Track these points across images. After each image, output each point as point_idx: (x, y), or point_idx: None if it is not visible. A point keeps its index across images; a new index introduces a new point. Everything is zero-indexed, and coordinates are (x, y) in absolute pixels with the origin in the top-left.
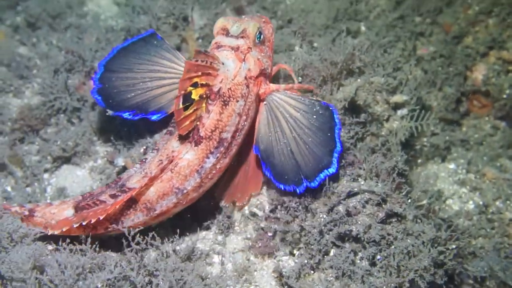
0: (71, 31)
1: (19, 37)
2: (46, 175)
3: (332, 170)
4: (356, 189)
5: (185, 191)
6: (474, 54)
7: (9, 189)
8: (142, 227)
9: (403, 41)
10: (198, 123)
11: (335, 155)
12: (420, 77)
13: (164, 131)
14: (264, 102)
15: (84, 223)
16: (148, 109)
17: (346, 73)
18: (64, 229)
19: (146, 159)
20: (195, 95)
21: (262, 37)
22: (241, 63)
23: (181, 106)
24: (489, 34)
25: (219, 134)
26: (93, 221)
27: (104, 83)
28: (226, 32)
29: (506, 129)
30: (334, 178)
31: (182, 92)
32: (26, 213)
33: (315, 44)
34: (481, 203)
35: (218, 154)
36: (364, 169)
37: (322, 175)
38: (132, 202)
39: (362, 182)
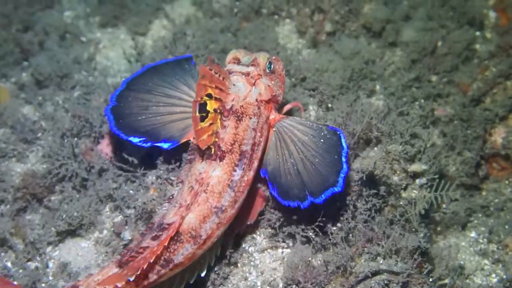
0: (79, 90)
1: (24, 95)
2: (48, 248)
3: (337, 189)
4: (375, 269)
5: (223, 208)
6: (493, 117)
7: (9, 264)
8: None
9: (419, 102)
10: (216, 139)
11: (342, 175)
12: (439, 142)
13: (183, 165)
14: (274, 129)
15: (138, 273)
16: (158, 137)
17: (363, 142)
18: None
19: (173, 194)
20: (209, 107)
21: (272, 67)
22: (251, 87)
23: (197, 113)
24: (507, 96)
25: (239, 146)
26: (145, 267)
27: (119, 102)
28: (237, 62)
29: None
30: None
31: (199, 98)
32: None
33: (329, 105)
34: (504, 277)
35: (243, 166)
36: (383, 247)
37: (328, 193)
38: (176, 236)
39: (381, 261)
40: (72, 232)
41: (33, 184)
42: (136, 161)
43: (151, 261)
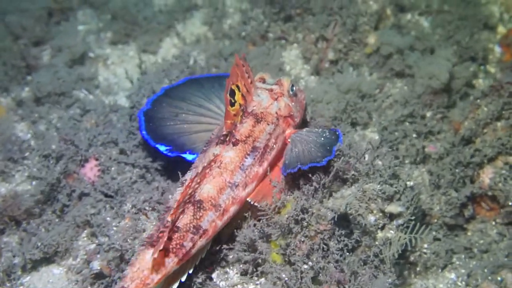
0: (75, 109)
1: (21, 111)
2: (19, 272)
3: (320, 164)
4: None
5: (236, 184)
6: (481, 158)
7: None
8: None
9: (411, 137)
10: (233, 131)
11: (327, 158)
12: (422, 182)
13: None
14: (289, 139)
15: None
16: (183, 147)
17: (340, 180)
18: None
19: (186, 179)
20: (237, 98)
21: (294, 90)
22: (273, 101)
23: (228, 95)
24: (497, 137)
25: (253, 142)
26: (176, 216)
27: (154, 106)
28: (263, 81)
29: None
30: None
31: (230, 82)
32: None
33: None
34: None
35: (254, 157)
36: None
37: (311, 164)
38: (200, 204)
39: None
40: (46, 259)
41: (13, 206)
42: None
43: (175, 220)
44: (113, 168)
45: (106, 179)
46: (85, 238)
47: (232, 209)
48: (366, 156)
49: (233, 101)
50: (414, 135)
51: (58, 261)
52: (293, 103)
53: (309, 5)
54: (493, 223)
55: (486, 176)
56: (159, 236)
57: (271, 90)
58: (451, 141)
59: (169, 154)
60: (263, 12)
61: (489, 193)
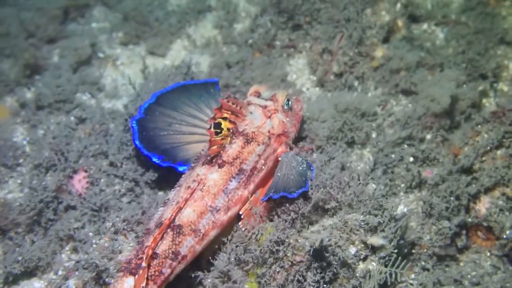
0: (74, 115)
1: (24, 113)
2: (0, 284)
3: (292, 196)
4: None
5: (217, 208)
6: (479, 186)
7: None
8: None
9: (407, 162)
10: (221, 152)
11: (300, 191)
12: (415, 208)
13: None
14: (279, 158)
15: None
16: (176, 158)
17: (321, 209)
18: None
19: (168, 198)
20: (224, 126)
21: (290, 105)
22: (266, 119)
23: (213, 129)
24: (495, 167)
25: (240, 164)
26: (151, 252)
27: (147, 114)
28: (258, 95)
29: (507, 270)
30: None
31: (213, 120)
32: None
33: (314, 155)
34: None
35: (239, 180)
36: None
37: (283, 194)
38: (179, 229)
39: None
40: (27, 272)
41: (0, 215)
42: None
43: (151, 250)
44: (102, 180)
45: (94, 191)
46: (68, 252)
47: (212, 233)
48: (350, 185)
49: (218, 131)
50: (411, 159)
51: (40, 275)
52: (288, 118)
53: (318, 14)
54: (488, 254)
55: (483, 205)
56: (137, 263)
57: (265, 107)
58: (449, 167)
59: (161, 164)
60: (271, 20)
61: (484, 224)
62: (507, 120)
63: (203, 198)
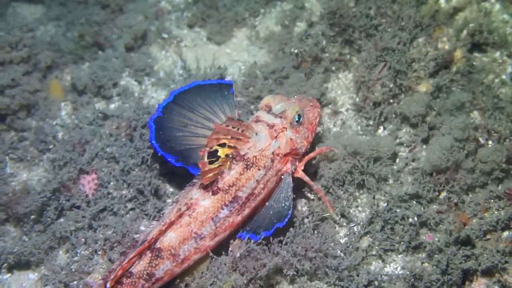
0: (109, 104)
1: (70, 96)
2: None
3: (266, 234)
4: None
5: (202, 236)
6: (476, 267)
7: None
8: (169, 279)
9: (406, 222)
10: (219, 176)
11: (275, 227)
12: (402, 274)
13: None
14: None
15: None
16: (189, 160)
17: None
18: None
19: (164, 213)
20: (221, 153)
21: (301, 119)
22: (271, 140)
23: (206, 160)
24: (497, 250)
25: (235, 191)
26: (120, 273)
27: (164, 113)
28: (268, 109)
29: None
30: None
31: (208, 149)
32: None
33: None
34: None
35: (231, 208)
36: None
37: (264, 234)
38: (158, 252)
39: None
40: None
41: (14, 201)
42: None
43: (124, 264)
44: (111, 184)
45: (99, 195)
46: (61, 252)
47: (195, 257)
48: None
49: (214, 160)
50: (414, 219)
51: (34, 268)
52: (298, 134)
53: (375, 31)
54: None
55: (478, 286)
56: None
57: (272, 126)
58: (450, 237)
59: (175, 164)
60: (323, 33)
61: None
62: None
63: (189, 225)
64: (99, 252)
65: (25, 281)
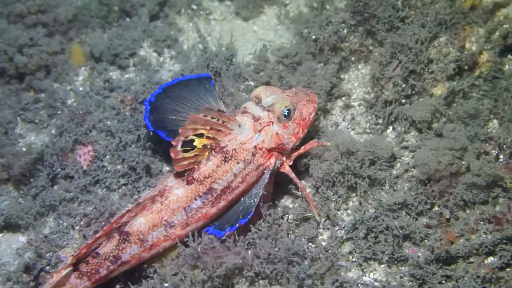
0: (124, 74)
1: (91, 62)
2: None
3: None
4: None
5: (173, 224)
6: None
7: None
8: (137, 263)
9: (391, 233)
10: (195, 166)
11: (237, 223)
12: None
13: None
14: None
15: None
16: None
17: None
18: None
19: (140, 196)
20: (198, 143)
21: (291, 114)
22: (254, 134)
23: (179, 148)
24: (477, 275)
25: (211, 183)
26: (83, 251)
27: (157, 100)
28: (257, 101)
29: None
30: None
31: (182, 138)
32: None
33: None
34: None
35: (205, 200)
36: None
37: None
38: (126, 236)
39: None
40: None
41: (15, 163)
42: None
43: (89, 242)
44: (106, 157)
45: (93, 168)
46: (51, 220)
47: (165, 245)
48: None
49: (189, 148)
50: (398, 231)
51: (23, 231)
52: (285, 130)
53: (398, 23)
54: None
55: None
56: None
57: (258, 119)
58: (432, 255)
59: (166, 138)
60: (343, 20)
61: None
62: (508, 227)
63: (160, 212)
64: (76, 228)
65: (14, 243)
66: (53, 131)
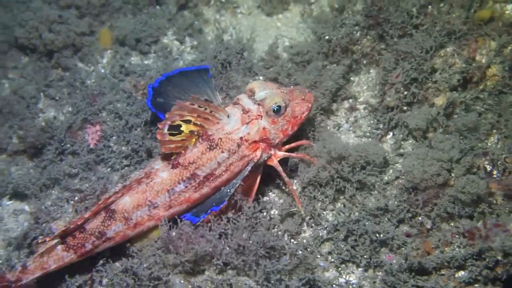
0: (142, 60)
1: (116, 46)
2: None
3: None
4: None
5: (156, 205)
6: None
7: None
8: (122, 240)
9: (370, 239)
10: (182, 151)
11: (209, 210)
12: None
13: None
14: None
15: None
16: None
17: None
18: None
19: (130, 177)
20: (185, 129)
21: (281, 111)
22: (241, 126)
23: (165, 131)
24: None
25: (194, 169)
26: (71, 226)
27: (161, 86)
28: (251, 94)
29: None
30: None
31: (168, 122)
32: (19, 268)
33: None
34: None
35: (187, 185)
36: None
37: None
38: (112, 213)
39: None
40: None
41: (36, 137)
42: None
43: (80, 223)
44: (113, 138)
45: (100, 147)
46: (56, 192)
47: (148, 224)
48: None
49: (175, 132)
50: (377, 236)
51: (29, 201)
52: (273, 125)
53: (411, 30)
54: None
55: None
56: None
57: (247, 111)
58: (405, 263)
59: None
60: (356, 23)
61: None
62: (478, 241)
63: (145, 192)
64: (71, 202)
65: (21, 211)
66: (69, 109)
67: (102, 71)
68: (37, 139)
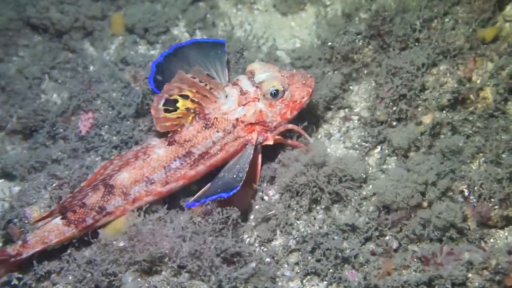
0: (149, 50)
1: (126, 34)
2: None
3: (225, 195)
4: None
5: (153, 181)
6: None
7: None
8: (122, 214)
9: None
10: (179, 129)
11: (217, 196)
12: None
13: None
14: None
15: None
16: None
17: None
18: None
19: (127, 152)
20: (181, 105)
21: (279, 95)
22: (238, 107)
23: (160, 106)
24: None
25: (190, 147)
26: (69, 199)
27: (165, 61)
28: (250, 76)
29: None
30: None
31: (165, 95)
32: (20, 243)
33: None
34: None
35: (183, 162)
36: None
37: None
38: (111, 188)
39: None
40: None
41: (31, 118)
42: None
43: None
44: (105, 127)
45: (92, 134)
46: (42, 176)
47: (147, 199)
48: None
49: (171, 109)
50: (341, 252)
51: (17, 182)
52: (270, 108)
53: (412, 44)
54: None
55: None
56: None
57: (245, 93)
58: (363, 282)
59: None
60: (358, 32)
61: None
62: (430, 270)
63: (142, 168)
64: (49, 188)
65: (7, 192)
66: (65, 93)
67: (108, 58)
68: (30, 120)
